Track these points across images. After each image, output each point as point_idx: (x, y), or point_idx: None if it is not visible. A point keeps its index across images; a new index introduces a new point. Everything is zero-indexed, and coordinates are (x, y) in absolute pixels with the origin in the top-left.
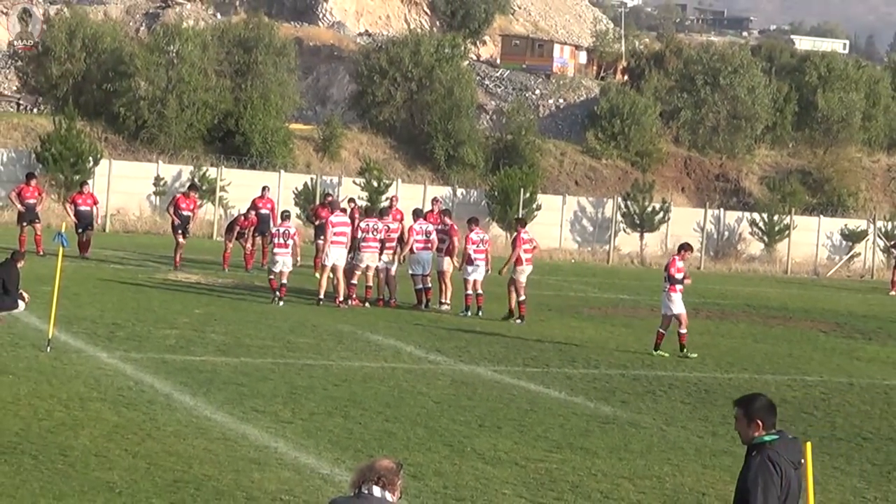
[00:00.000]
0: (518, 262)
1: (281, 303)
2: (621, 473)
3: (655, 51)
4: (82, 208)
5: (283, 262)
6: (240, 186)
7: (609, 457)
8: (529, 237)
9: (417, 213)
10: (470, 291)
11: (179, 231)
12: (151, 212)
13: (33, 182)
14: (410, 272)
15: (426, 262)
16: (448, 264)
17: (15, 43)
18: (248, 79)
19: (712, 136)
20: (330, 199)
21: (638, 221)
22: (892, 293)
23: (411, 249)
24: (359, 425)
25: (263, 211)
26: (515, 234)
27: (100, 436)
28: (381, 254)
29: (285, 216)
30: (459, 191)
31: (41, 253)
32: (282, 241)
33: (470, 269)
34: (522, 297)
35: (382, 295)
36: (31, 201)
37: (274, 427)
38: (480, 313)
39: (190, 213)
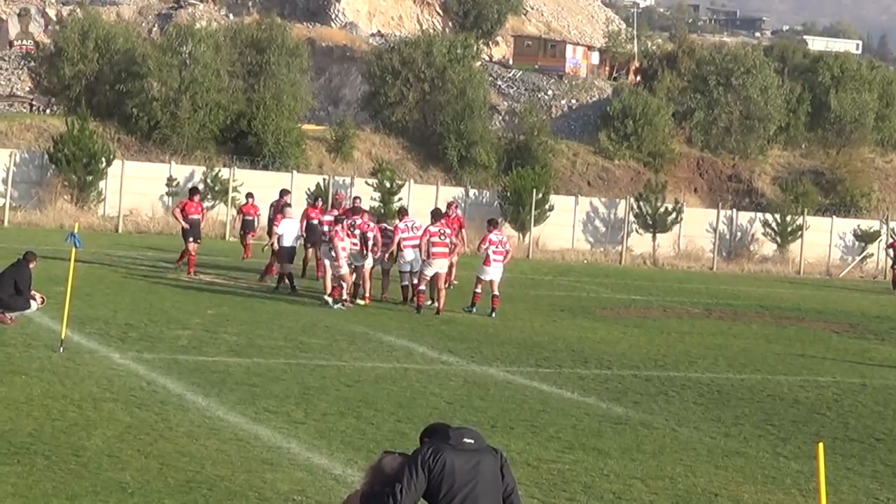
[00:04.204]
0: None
1: (337, 305)
2: (633, 474)
3: (668, 51)
4: (193, 217)
5: (331, 265)
6: (252, 187)
7: (621, 457)
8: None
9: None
10: (479, 290)
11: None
12: (164, 212)
13: (196, 197)
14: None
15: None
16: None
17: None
18: (261, 79)
19: (725, 137)
20: (359, 201)
21: (650, 222)
22: None
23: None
24: (371, 426)
25: (314, 221)
26: (393, 227)
27: (112, 436)
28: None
29: (338, 220)
30: (472, 191)
31: (191, 273)
32: (325, 239)
33: (488, 269)
34: (422, 288)
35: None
36: (195, 217)
37: (286, 428)
38: (494, 314)
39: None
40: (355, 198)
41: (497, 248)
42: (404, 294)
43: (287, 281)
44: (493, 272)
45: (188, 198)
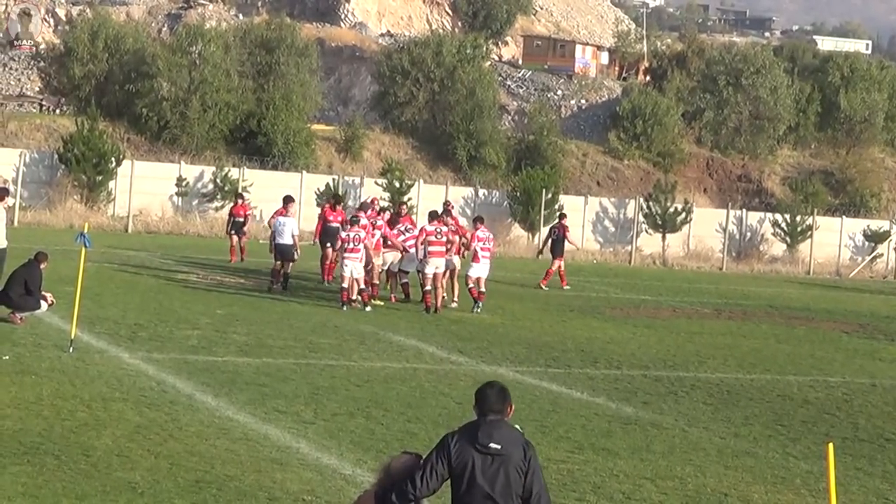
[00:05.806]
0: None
1: (368, 308)
2: (643, 474)
3: (677, 51)
4: (332, 224)
5: (353, 268)
6: (262, 187)
7: (631, 458)
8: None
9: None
10: (473, 285)
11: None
12: (174, 212)
13: (340, 205)
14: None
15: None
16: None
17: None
18: (271, 79)
19: (734, 137)
20: (396, 206)
21: (660, 222)
22: None
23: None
24: (381, 426)
25: (334, 224)
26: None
27: (122, 436)
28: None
29: (354, 221)
30: (481, 191)
31: (330, 279)
32: (352, 245)
33: (476, 266)
34: (428, 288)
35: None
36: (335, 224)
37: (296, 428)
38: (477, 310)
39: (337, 225)
40: (401, 204)
41: (484, 244)
42: (405, 291)
43: (282, 278)
44: (482, 268)
45: (328, 205)
